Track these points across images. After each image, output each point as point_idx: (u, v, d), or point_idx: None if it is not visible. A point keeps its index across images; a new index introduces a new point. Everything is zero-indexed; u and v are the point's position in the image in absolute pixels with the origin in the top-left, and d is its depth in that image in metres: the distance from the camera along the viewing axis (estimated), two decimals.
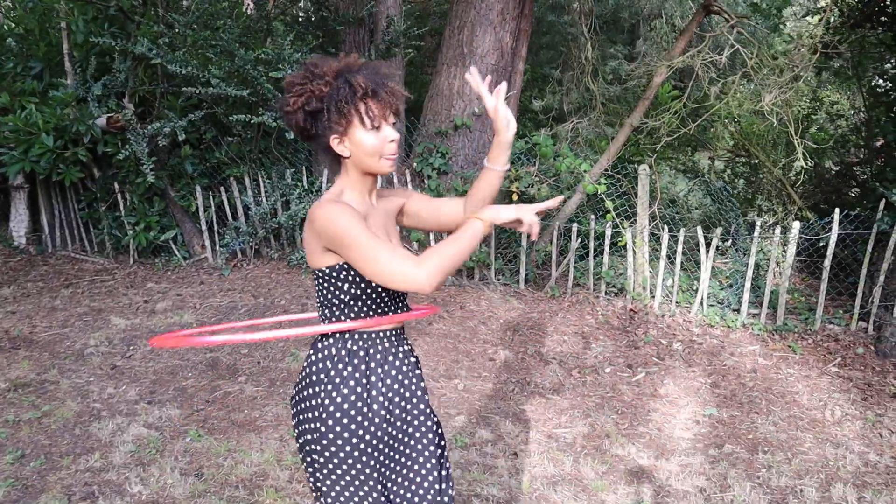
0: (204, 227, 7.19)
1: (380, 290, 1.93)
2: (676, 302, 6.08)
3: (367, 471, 1.91)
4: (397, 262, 1.73)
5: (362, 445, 1.89)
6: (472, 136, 6.72)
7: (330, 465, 1.89)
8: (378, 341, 1.98)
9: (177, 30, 6.51)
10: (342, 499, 1.91)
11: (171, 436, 3.95)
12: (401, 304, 2.04)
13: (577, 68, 7.22)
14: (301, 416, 1.94)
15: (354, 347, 1.94)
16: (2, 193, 8.06)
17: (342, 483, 1.90)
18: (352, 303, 1.92)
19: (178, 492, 3.41)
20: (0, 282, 6.74)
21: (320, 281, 1.94)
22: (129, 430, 3.99)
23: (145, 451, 3.76)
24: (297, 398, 1.98)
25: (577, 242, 6.32)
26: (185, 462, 3.67)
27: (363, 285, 1.90)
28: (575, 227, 6.30)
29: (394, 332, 2.02)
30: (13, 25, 8.41)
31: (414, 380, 2.06)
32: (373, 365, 1.95)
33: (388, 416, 1.96)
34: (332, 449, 1.88)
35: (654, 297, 6.13)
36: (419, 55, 8.96)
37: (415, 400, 2.05)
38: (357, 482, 1.90)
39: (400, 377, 2.01)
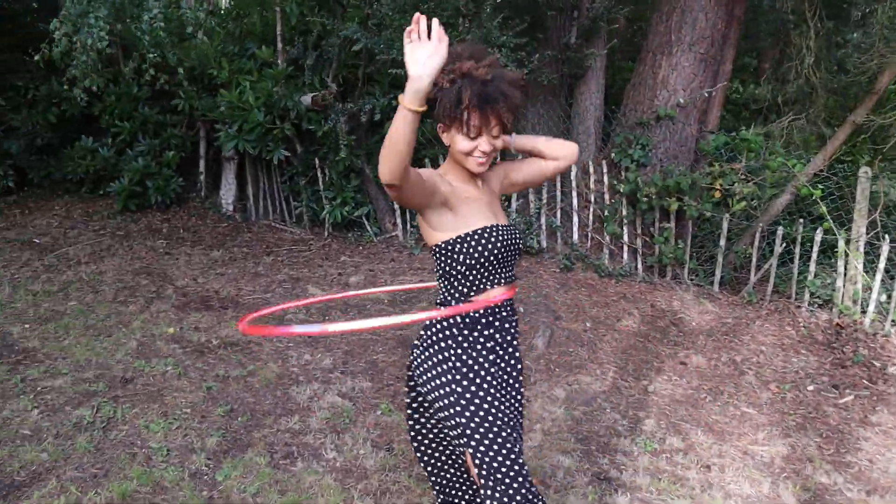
0: (396, 206, 7.40)
1: (491, 258, 2.14)
2: (892, 320, 5.49)
3: (496, 402, 2.15)
4: None
5: (481, 392, 2.13)
6: (675, 128, 6.39)
7: (466, 414, 2.10)
8: (492, 316, 2.21)
9: (384, 12, 6.69)
10: (485, 431, 2.09)
11: (363, 407, 4.09)
12: (511, 274, 2.27)
13: (795, 57, 6.65)
14: (423, 378, 2.21)
15: (468, 320, 2.18)
16: (215, 164, 8.74)
17: (477, 418, 2.10)
18: (467, 273, 2.15)
19: (369, 463, 3.52)
20: (211, 245, 7.31)
21: (437, 256, 2.19)
22: (324, 397, 4.18)
23: (339, 420, 3.92)
24: (416, 362, 2.25)
25: (780, 247, 5.87)
26: (376, 434, 3.79)
27: (475, 255, 2.12)
28: (780, 230, 5.85)
29: (509, 304, 2.27)
30: (233, 10, 9.03)
31: (514, 344, 2.32)
32: (486, 332, 2.20)
33: (493, 369, 2.21)
34: (463, 401, 2.11)
35: (865, 312, 5.58)
36: (618, 40, 8.67)
37: (512, 361, 2.30)
38: (490, 415, 2.11)
39: (503, 339, 2.26)
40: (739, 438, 4.05)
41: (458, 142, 2.11)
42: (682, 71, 6.32)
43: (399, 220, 7.41)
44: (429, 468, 2.56)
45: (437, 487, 2.59)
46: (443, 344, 2.18)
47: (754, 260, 6.06)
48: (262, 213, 8.40)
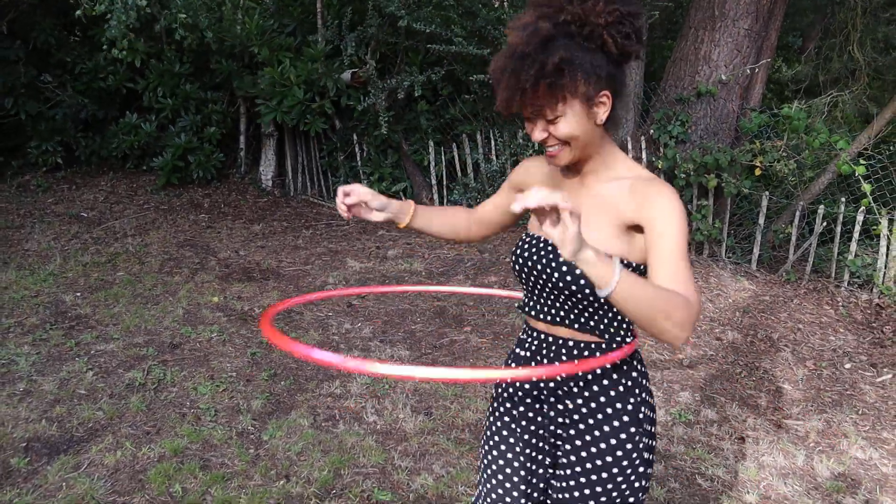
0: (433, 182, 7.48)
1: (519, 277, 1.74)
2: None
3: (492, 443, 1.83)
4: None
5: (492, 418, 1.85)
6: (716, 105, 6.34)
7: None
8: (527, 338, 1.79)
9: None
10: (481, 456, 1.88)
11: None
12: (559, 316, 1.68)
13: (839, 35, 6.54)
14: None
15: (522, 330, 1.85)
16: (254, 140, 8.88)
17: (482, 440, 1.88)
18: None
19: (408, 426, 3.62)
20: (252, 219, 7.46)
21: None
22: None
23: (379, 386, 4.03)
24: None
25: (821, 226, 5.83)
26: (415, 400, 3.89)
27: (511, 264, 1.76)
28: (821, 209, 5.80)
29: (548, 341, 1.72)
30: None
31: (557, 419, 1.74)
32: (519, 354, 1.82)
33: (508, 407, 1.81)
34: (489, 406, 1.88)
35: None
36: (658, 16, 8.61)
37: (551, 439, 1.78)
38: (486, 446, 1.85)
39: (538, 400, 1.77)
40: (774, 413, 4.07)
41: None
42: (725, 47, 6.26)
43: (436, 196, 7.49)
44: None
45: None
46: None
47: (794, 239, 6.01)
48: (300, 189, 8.53)
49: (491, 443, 1.83)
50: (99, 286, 5.43)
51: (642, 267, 1.58)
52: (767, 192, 6.05)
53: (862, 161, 5.87)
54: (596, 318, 1.64)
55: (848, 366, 4.75)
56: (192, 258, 6.14)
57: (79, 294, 5.25)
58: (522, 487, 1.77)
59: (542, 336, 1.72)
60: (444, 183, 7.48)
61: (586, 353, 1.66)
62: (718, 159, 5.95)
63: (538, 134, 1.53)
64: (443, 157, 7.43)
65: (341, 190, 1.69)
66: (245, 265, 6.02)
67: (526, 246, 1.69)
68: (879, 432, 3.95)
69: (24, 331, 4.56)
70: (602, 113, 1.52)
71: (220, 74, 8.05)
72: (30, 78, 8.06)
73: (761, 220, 6.06)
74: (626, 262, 1.58)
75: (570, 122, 1.49)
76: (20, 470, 3.13)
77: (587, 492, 1.66)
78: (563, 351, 1.68)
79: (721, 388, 4.31)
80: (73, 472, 3.13)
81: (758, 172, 5.97)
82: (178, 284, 5.50)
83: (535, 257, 1.66)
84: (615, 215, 1.57)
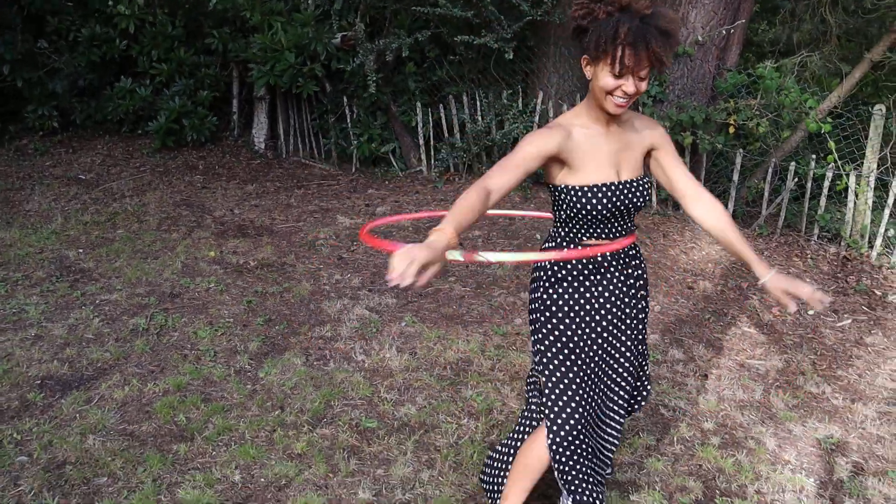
0: (421, 142, 7.69)
1: (593, 216, 2.15)
2: None
3: (579, 363, 2.26)
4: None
5: (570, 344, 2.25)
6: (693, 65, 6.55)
7: (548, 355, 2.27)
8: (593, 263, 2.24)
9: None
10: (560, 386, 2.25)
11: (388, 319, 4.47)
12: (620, 230, 2.24)
13: None
14: (531, 315, 2.32)
15: (562, 273, 2.23)
16: (247, 104, 9.05)
17: (558, 373, 2.26)
18: (568, 221, 2.21)
19: (394, 365, 3.91)
20: (245, 179, 7.68)
21: (549, 193, 2.25)
22: (353, 310, 4.56)
23: (367, 329, 4.30)
24: (529, 297, 2.35)
25: (793, 182, 6.08)
26: (401, 342, 4.17)
27: (580, 209, 2.13)
28: (793, 166, 6.06)
29: (613, 256, 2.25)
30: None
31: (632, 301, 2.35)
32: (587, 284, 2.25)
33: (599, 322, 2.28)
34: (550, 339, 2.26)
35: (872, 246, 5.80)
36: None
37: (627, 320, 2.35)
38: (571, 372, 2.25)
39: (615, 295, 2.29)
40: (738, 353, 4.36)
41: (602, 78, 2.02)
42: (702, 8, 6.45)
43: (424, 156, 7.70)
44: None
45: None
46: (539, 287, 2.28)
47: (766, 195, 6.27)
48: (292, 150, 8.73)
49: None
50: (100, 243, 5.67)
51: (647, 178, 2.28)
52: (741, 150, 6.29)
53: (830, 119, 6.10)
54: (633, 220, 2.29)
55: (811, 312, 5.04)
56: (189, 217, 6.37)
57: (81, 250, 5.49)
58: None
59: (609, 255, 2.25)
60: (432, 143, 7.69)
61: (634, 250, 2.35)
62: (694, 117, 6.18)
63: (631, 87, 2.00)
64: (430, 118, 7.64)
65: (415, 263, 1.57)
66: (240, 223, 6.27)
67: (609, 193, 2.13)
68: (835, 371, 4.24)
69: (31, 283, 4.82)
70: None
71: (213, 39, 8.19)
72: (27, 47, 8.20)
73: (735, 177, 6.31)
74: (645, 179, 2.24)
75: (649, 79, 2.06)
76: (37, 403, 3.41)
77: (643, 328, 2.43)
78: (623, 255, 2.29)
79: (689, 331, 4.60)
80: (85, 405, 3.41)
81: (732, 130, 6.21)
82: (176, 241, 5.74)
83: (622, 197, 2.16)
84: (638, 147, 2.22)
